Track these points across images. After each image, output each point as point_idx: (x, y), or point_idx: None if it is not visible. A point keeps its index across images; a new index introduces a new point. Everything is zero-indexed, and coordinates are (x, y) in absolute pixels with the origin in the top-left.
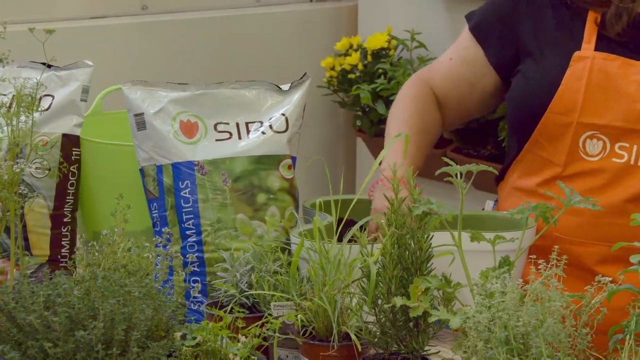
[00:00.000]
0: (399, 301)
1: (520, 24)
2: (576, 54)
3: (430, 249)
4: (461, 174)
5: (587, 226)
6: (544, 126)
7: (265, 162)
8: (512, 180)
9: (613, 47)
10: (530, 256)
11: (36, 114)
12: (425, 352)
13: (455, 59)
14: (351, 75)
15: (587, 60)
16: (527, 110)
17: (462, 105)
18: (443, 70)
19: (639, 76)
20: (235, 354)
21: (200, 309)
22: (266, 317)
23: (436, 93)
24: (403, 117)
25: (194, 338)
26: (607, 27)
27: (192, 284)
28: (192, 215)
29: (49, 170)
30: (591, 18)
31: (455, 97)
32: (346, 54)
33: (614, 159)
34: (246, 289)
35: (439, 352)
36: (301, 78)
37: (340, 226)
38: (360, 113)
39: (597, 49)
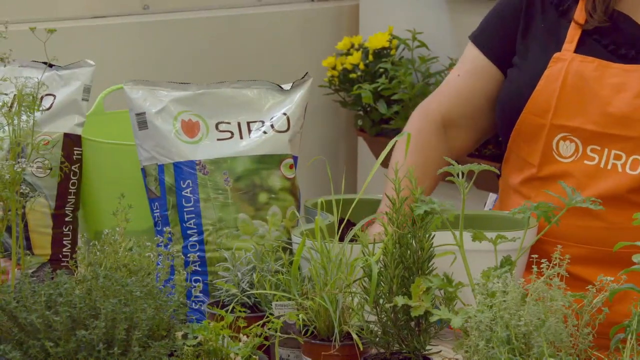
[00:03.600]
0: (400, 300)
1: (516, 27)
2: (555, 55)
3: (431, 249)
4: (463, 174)
5: (561, 227)
6: (520, 126)
7: (267, 161)
8: (504, 176)
9: (593, 48)
10: (532, 256)
11: (37, 114)
12: (426, 352)
13: (463, 74)
14: (352, 75)
15: (565, 62)
16: (509, 110)
17: (477, 122)
18: (451, 89)
19: (613, 79)
20: (237, 354)
21: (202, 308)
22: (267, 317)
23: (446, 117)
24: (402, 155)
25: (196, 337)
26: (588, 21)
27: (194, 284)
28: (193, 215)
29: (51, 169)
30: (576, 18)
31: (469, 115)
32: (347, 54)
33: (585, 162)
34: (248, 289)
35: (441, 351)
36: (302, 77)
37: (342, 226)
38: (361, 112)
39: (577, 50)
